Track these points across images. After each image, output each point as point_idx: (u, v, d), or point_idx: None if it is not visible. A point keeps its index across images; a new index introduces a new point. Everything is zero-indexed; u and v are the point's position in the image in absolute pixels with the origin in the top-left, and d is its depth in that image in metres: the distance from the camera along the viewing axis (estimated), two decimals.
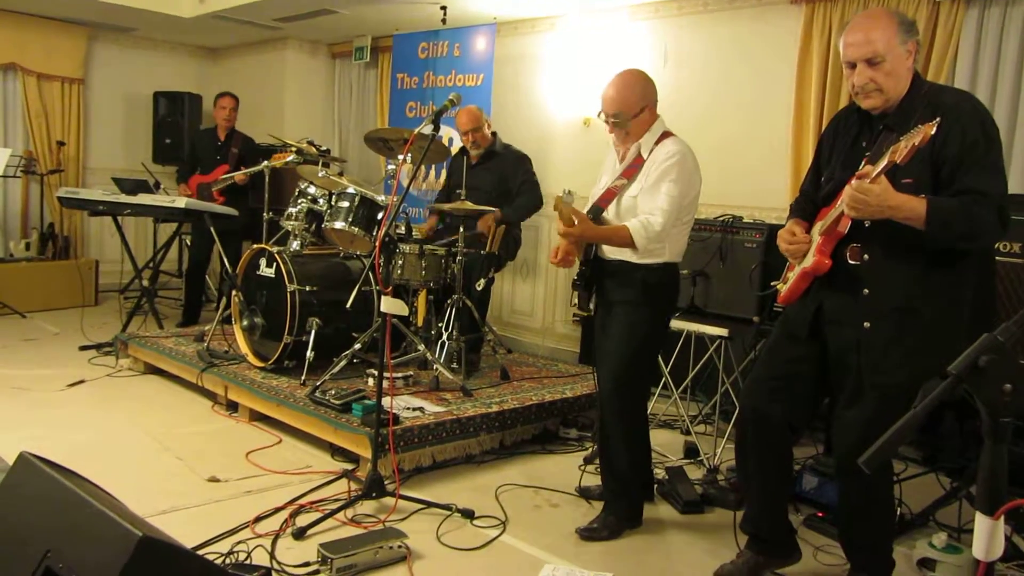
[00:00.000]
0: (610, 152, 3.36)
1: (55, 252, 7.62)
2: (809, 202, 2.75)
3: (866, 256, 2.46)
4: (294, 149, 5.03)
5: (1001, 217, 2.30)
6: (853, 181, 2.31)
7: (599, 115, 3.17)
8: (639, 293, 3.12)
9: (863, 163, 2.38)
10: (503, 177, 5.13)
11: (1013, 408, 1.23)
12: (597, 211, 3.18)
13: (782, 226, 2.76)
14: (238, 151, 6.57)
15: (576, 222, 3.03)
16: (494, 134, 5.26)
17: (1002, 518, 1.25)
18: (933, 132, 2.12)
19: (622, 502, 3.25)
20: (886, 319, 2.44)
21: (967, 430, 3.61)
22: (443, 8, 6.20)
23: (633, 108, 3.08)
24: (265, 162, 5.07)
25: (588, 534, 3.17)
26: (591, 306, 3.29)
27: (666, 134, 3.15)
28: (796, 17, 4.92)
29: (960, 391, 1.25)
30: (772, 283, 2.87)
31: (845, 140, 2.62)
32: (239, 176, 6.07)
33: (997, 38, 4.21)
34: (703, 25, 5.45)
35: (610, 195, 3.16)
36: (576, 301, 3.30)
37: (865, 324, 2.46)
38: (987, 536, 1.25)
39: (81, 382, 4.86)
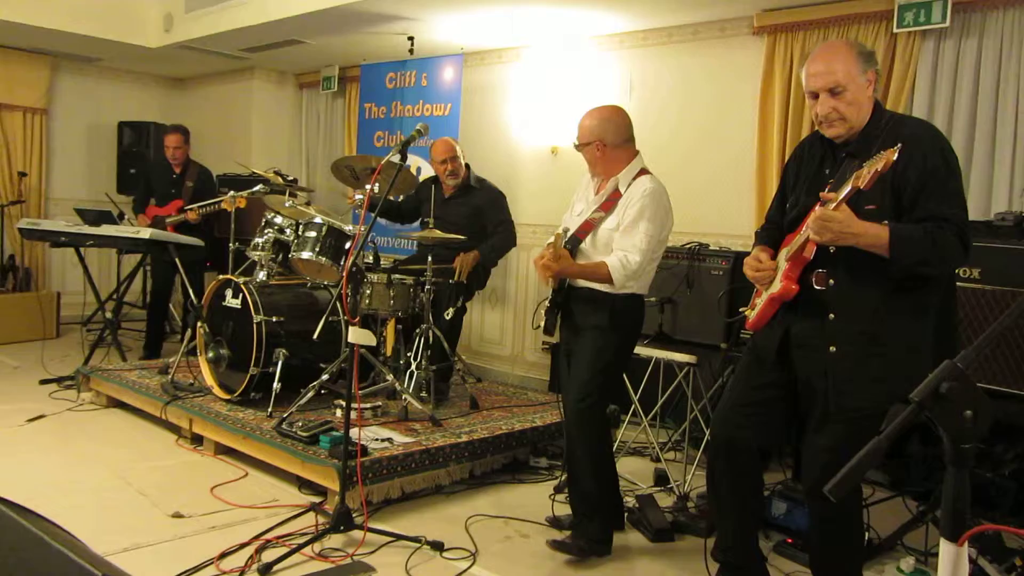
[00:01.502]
0: (583, 179, 3.43)
1: (15, 284, 7.47)
2: (775, 229, 2.78)
3: (831, 281, 2.50)
4: (247, 193, 5.03)
5: (963, 242, 2.34)
6: (817, 208, 2.35)
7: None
8: (607, 319, 3.19)
9: (826, 189, 2.42)
10: (478, 212, 5.09)
11: (974, 434, 1.24)
12: (576, 242, 3.26)
13: (748, 253, 2.80)
14: (193, 184, 6.42)
15: (560, 258, 3.13)
16: (467, 166, 5.25)
17: (966, 543, 1.26)
18: (895, 158, 2.16)
19: (592, 525, 3.25)
20: (851, 344, 2.46)
21: (933, 454, 3.64)
22: (410, 38, 6.23)
23: (583, 138, 3.22)
24: (221, 199, 5.06)
25: (558, 546, 3.20)
26: (556, 331, 3.34)
27: (643, 171, 3.25)
28: (758, 48, 5.02)
29: (922, 418, 1.26)
30: (740, 309, 2.90)
31: (809, 167, 2.66)
32: (191, 215, 6.05)
33: (953, 69, 4.32)
34: (667, 56, 5.53)
35: (588, 227, 3.24)
36: (542, 324, 3.34)
37: (831, 349, 2.49)
38: (952, 562, 1.25)
39: (41, 417, 4.75)
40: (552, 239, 3.16)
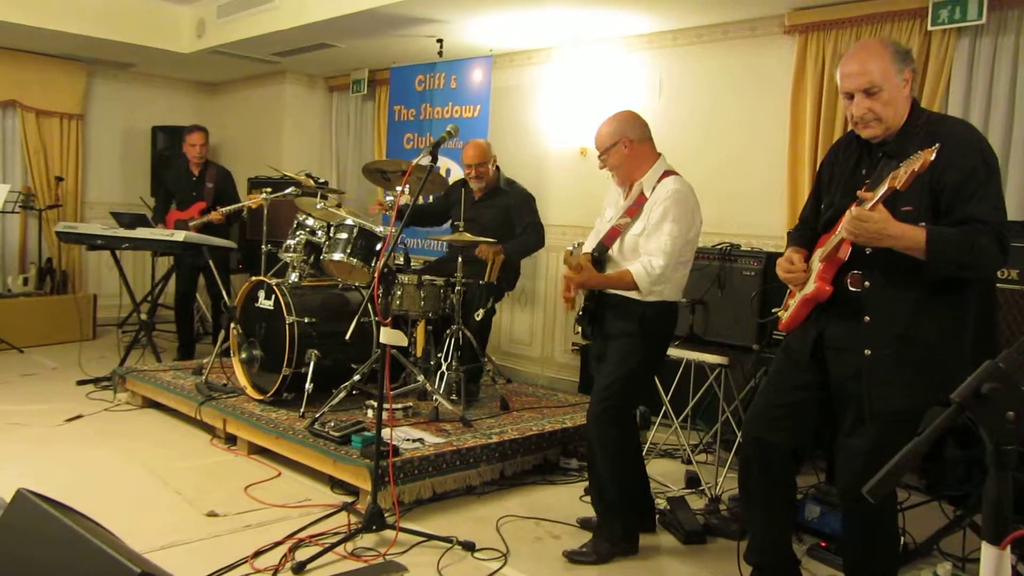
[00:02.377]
0: (613, 183, 3.44)
1: (53, 287, 7.61)
2: (809, 229, 2.76)
3: (867, 283, 2.47)
4: (267, 190, 5.07)
5: (1001, 245, 2.30)
6: (853, 208, 2.33)
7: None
8: (636, 325, 3.18)
9: (863, 189, 2.40)
10: (507, 214, 5.08)
11: (1017, 436, 1.22)
12: (602, 249, 3.26)
13: (780, 254, 2.77)
14: (214, 186, 6.48)
15: (581, 269, 3.13)
16: (497, 168, 5.23)
17: (1008, 547, 1.24)
18: (932, 158, 2.13)
19: (612, 527, 3.26)
20: (887, 346, 2.43)
21: (970, 457, 3.59)
22: (439, 41, 6.26)
23: (605, 143, 3.22)
24: (244, 204, 5.11)
25: (575, 557, 3.19)
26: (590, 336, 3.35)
27: (668, 172, 3.23)
28: (790, 47, 4.98)
29: (963, 419, 1.25)
30: (773, 310, 2.87)
31: (845, 167, 2.63)
32: (216, 216, 6.11)
33: (989, 67, 4.25)
34: (697, 56, 5.51)
35: (614, 233, 3.23)
36: (580, 330, 3.36)
37: (866, 351, 2.46)
38: (994, 566, 1.24)
39: (79, 417, 4.83)
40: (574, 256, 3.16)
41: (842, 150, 2.68)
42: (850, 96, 2.46)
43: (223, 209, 6.09)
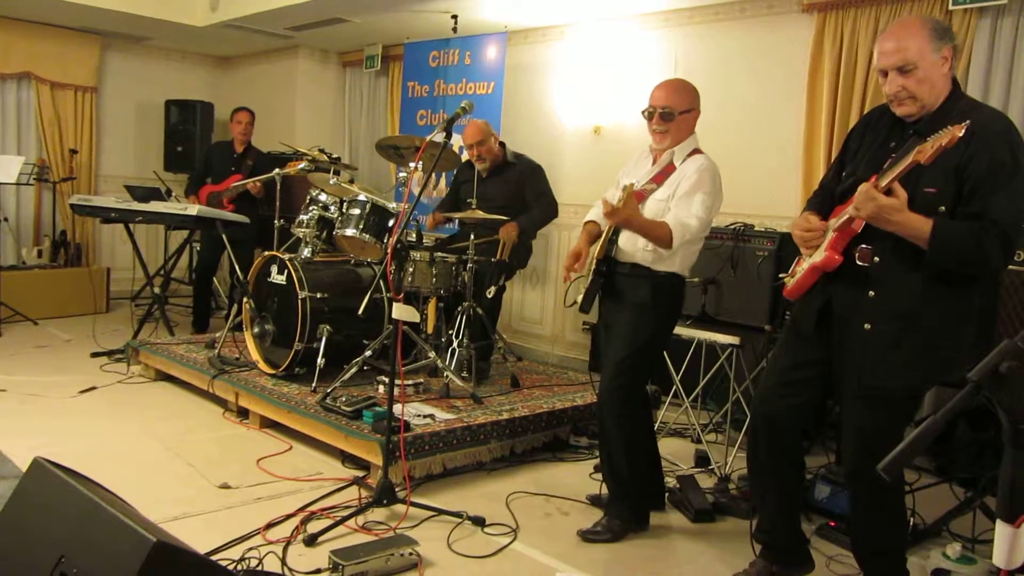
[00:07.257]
0: (631, 158, 3.43)
1: (67, 259, 7.64)
2: (827, 196, 2.72)
3: (876, 259, 2.45)
4: (307, 158, 5.04)
5: (1004, 247, 2.27)
6: (863, 185, 2.32)
7: (644, 112, 3.25)
8: (649, 296, 3.16)
9: (887, 164, 2.38)
10: (518, 187, 5.07)
11: None
12: None
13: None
14: (252, 164, 6.54)
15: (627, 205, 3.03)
16: (502, 144, 5.21)
17: (1023, 526, 1.24)
18: (961, 134, 2.10)
19: (624, 505, 3.27)
20: (887, 324, 2.43)
21: (981, 439, 3.58)
22: (454, 17, 6.22)
23: (683, 104, 3.20)
24: (277, 169, 5.10)
25: (590, 536, 3.20)
26: (592, 308, 3.30)
27: (697, 150, 3.24)
28: (807, 26, 4.92)
29: (980, 398, 1.24)
30: (780, 275, 2.87)
31: (874, 139, 2.60)
32: (252, 185, 6.06)
33: (1010, 47, 4.20)
34: (714, 34, 5.46)
35: (639, 197, 3.19)
36: (578, 300, 3.29)
37: (865, 326, 2.45)
38: (1008, 544, 1.24)
39: (93, 389, 4.87)
40: (620, 193, 3.06)
41: (874, 120, 2.64)
42: (885, 73, 2.43)
43: (258, 178, 6.05)
